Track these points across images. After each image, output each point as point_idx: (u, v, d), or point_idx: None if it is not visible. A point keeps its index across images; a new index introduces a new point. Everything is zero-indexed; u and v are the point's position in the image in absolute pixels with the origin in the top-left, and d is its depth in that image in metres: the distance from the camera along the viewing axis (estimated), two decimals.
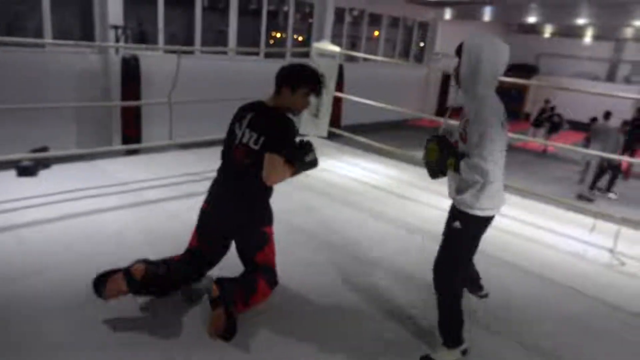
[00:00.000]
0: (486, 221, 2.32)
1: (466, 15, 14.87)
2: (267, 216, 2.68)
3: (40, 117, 7.11)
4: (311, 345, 2.43)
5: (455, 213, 2.33)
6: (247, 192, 2.54)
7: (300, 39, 12.38)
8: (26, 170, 4.13)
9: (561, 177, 10.63)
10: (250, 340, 2.40)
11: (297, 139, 2.59)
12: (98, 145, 8.27)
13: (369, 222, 4.14)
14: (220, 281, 2.42)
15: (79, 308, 2.49)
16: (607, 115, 9.96)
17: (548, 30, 18.77)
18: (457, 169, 2.21)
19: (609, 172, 9.52)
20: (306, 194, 4.67)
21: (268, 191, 2.62)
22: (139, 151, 6.26)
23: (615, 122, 10.08)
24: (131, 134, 8.39)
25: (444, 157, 2.27)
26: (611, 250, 3.91)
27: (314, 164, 2.60)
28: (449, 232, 2.36)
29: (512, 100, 17.67)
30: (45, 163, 4.37)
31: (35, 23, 7.85)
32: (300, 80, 2.56)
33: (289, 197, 4.49)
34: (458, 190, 2.29)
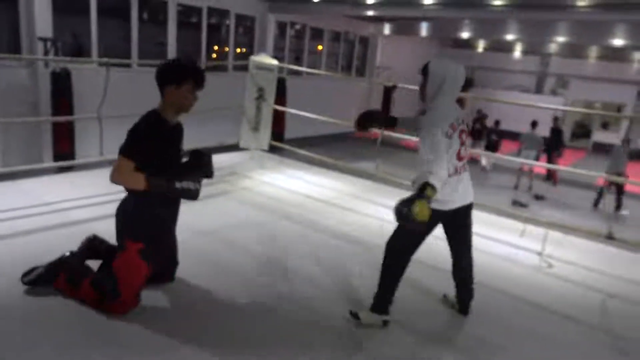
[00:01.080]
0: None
1: (404, 31, 15.40)
2: (132, 229, 2.60)
3: None
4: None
5: None
6: (124, 199, 2.64)
7: (241, 51, 12.31)
8: None
9: (497, 186, 11.12)
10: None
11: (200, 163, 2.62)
12: (27, 163, 7.78)
13: (309, 234, 4.13)
14: (68, 255, 2.72)
15: None
16: (534, 124, 10.66)
17: (481, 45, 19.79)
18: None
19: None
20: (247, 208, 4.60)
21: (140, 203, 2.56)
22: (72, 168, 5.94)
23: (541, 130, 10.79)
24: (64, 151, 7.97)
25: None
26: (540, 253, 4.10)
27: (189, 194, 2.50)
28: None
29: None
30: None
31: None
32: (182, 74, 2.50)
33: (230, 212, 4.42)
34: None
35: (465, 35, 14.31)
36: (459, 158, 2.65)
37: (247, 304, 2.89)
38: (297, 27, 13.77)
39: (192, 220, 4.05)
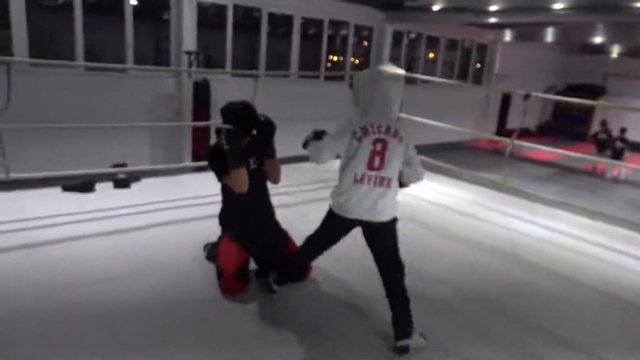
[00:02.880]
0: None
1: (527, 37, 14.64)
2: (223, 223, 3.08)
3: (119, 136, 7.75)
4: None
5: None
6: None
7: (358, 61, 12.66)
8: (121, 182, 4.55)
9: (632, 202, 10.14)
10: None
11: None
12: (169, 162, 8.84)
13: (451, 245, 4.17)
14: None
15: (165, 311, 2.76)
16: None
17: (615, 50, 18.06)
18: None
19: None
20: None
21: (228, 203, 3.03)
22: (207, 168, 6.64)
23: None
24: (201, 152, 8.89)
25: None
26: None
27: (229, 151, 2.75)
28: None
29: (575, 121, 16.87)
30: (137, 177, 4.79)
31: (118, 50, 8.57)
32: (229, 121, 2.88)
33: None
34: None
35: (597, 40, 13.21)
36: (370, 167, 2.55)
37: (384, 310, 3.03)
38: (412, 36, 13.79)
39: None
